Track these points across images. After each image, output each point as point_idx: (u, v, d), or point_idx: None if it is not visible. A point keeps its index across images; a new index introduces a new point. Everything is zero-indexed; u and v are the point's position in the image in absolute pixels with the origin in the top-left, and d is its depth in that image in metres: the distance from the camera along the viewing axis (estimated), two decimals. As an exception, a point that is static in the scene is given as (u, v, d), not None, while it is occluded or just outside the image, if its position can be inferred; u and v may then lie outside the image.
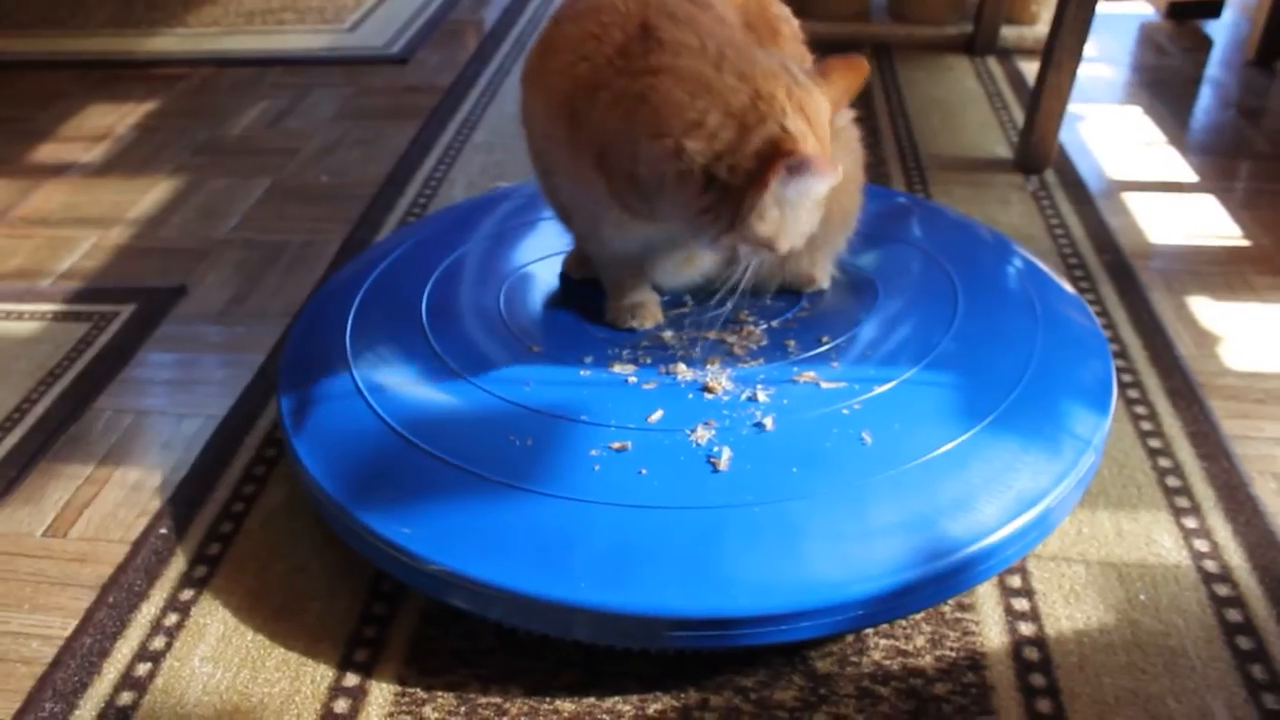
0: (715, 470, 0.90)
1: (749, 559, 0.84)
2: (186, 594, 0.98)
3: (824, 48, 1.04)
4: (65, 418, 1.23)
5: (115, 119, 2.03)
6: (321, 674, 0.90)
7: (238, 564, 1.01)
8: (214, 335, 1.37)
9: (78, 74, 2.26)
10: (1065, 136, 1.72)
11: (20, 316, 1.42)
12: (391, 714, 0.86)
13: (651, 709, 0.86)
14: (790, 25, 1.04)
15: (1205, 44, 2.14)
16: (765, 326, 1.09)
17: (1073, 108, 1.63)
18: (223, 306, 1.42)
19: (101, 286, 1.49)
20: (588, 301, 1.14)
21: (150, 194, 1.73)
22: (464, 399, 1.00)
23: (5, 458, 1.17)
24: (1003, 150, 1.73)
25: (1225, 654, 0.88)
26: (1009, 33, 2.12)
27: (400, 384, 1.03)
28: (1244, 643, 0.89)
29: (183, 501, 1.09)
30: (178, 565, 1.01)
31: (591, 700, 0.87)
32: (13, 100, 2.15)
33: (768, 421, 0.94)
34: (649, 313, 1.10)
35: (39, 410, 1.24)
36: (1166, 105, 1.88)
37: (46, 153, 1.91)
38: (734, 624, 0.81)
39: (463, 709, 0.86)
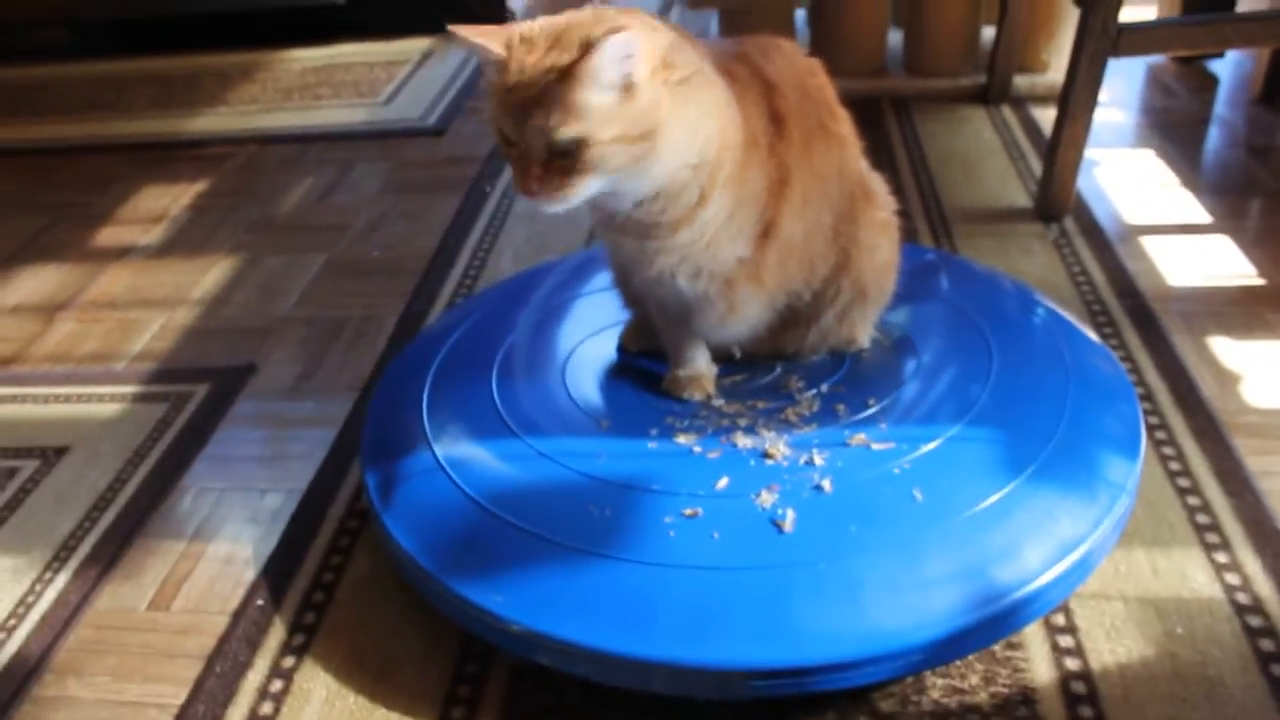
0: (781, 531, 0.97)
1: (816, 612, 0.91)
2: (288, 661, 1.05)
3: (844, 103, 1.17)
4: (154, 496, 1.31)
5: (169, 200, 2.12)
6: (423, 731, 0.97)
7: (333, 631, 1.08)
8: (286, 411, 1.44)
9: (128, 156, 2.35)
10: (1082, 182, 1.77)
11: (101, 399, 1.51)
12: (491, 767, 0.93)
13: (730, 754, 0.93)
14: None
15: (1211, 83, 2.21)
16: (815, 391, 1.17)
17: (1087, 153, 1.69)
18: (292, 382, 1.50)
19: (175, 367, 1.57)
20: (645, 374, 1.22)
21: (210, 273, 1.82)
22: (542, 474, 1.08)
23: (104, 536, 1.25)
24: (1022, 200, 1.80)
25: (1260, 681, 0.94)
26: (1021, 81, 2.21)
27: (481, 460, 1.11)
28: (1278, 670, 0.95)
29: (275, 573, 1.16)
30: (277, 634, 1.09)
31: (674, 747, 0.94)
32: (70, 185, 2.25)
33: (826, 484, 1.02)
34: (699, 385, 1.18)
35: (129, 490, 1.32)
36: (1177, 147, 1.94)
37: (107, 236, 2.00)
38: (805, 673, 0.89)
39: (556, 760, 0.93)
